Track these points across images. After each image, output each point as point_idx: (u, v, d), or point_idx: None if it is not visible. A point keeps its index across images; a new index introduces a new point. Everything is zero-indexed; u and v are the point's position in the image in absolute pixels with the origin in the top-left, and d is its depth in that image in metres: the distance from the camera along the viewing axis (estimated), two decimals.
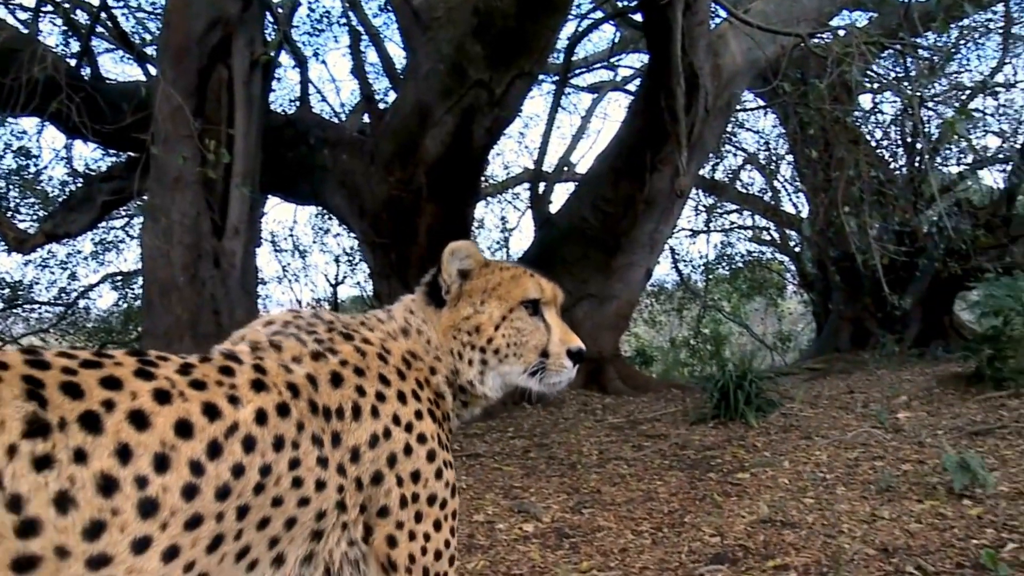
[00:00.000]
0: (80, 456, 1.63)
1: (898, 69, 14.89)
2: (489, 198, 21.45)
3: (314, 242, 21.59)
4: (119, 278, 19.88)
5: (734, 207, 22.07)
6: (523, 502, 6.48)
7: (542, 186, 14.73)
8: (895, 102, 14.87)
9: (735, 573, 4.57)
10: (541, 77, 18.28)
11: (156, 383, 1.83)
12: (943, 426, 8.21)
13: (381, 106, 12.99)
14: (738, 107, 17.41)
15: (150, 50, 13.40)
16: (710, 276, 23.39)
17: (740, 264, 23.34)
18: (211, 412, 1.85)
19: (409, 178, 10.92)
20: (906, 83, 12.33)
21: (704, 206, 21.77)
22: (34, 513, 1.56)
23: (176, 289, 8.93)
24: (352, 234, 17.30)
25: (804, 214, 19.29)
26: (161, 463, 1.73)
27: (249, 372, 2.02)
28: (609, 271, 12.25)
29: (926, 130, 15.00)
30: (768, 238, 23.16)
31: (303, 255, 21.77)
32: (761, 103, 17.81)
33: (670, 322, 24.66)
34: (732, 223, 23.10)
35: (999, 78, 17.24)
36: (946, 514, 5.35)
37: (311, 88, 14.70)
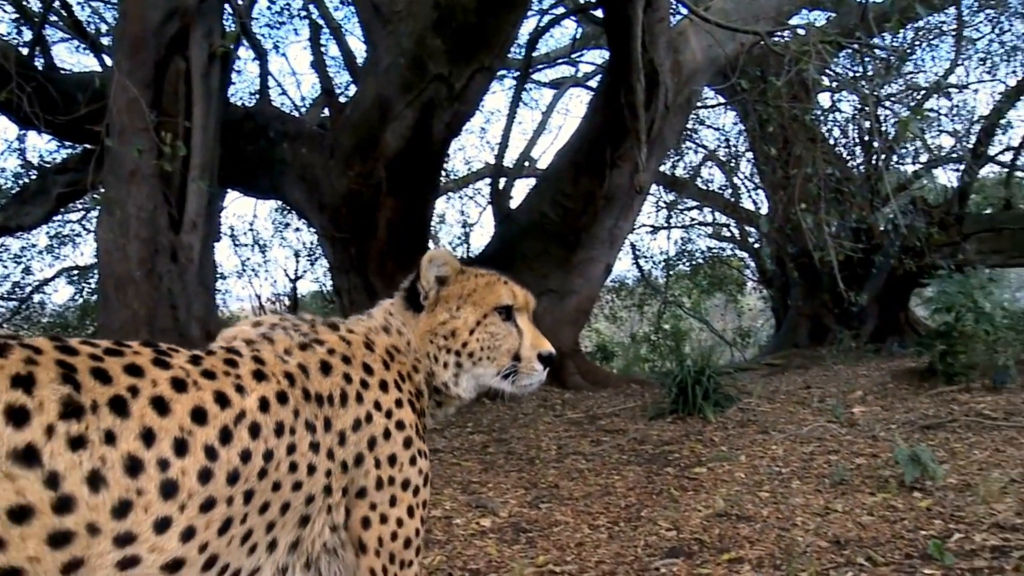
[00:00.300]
0: (110, 438, 1.74)
1: (856, 68, 15.11)
2: (451, 193, 21.41)
3: (273, 236, 21.42)
4: (75, 272, 19.59)
5: (694, 204, 22.27)
6: (481, 497, 6.47)
7: (502, 181, 14.73)
8: (853, 101, 15.05)
9: (690, 566, 4.60)
10: (503, 72, 18.30)
11: (172, 372, 1.94)
12: (896, 420, 8.34)
13: (342, 100, 12.90)
14: (699, 104, 17.56)
15: (106, 40, 13.19)
16: (671, 272, 23.58)
17: (700, 260, 23.57)
18: (222, 400, 1.97)
19: (369, 172, 10.87)
20: (863, 82, 12.50)
21: (665, 202, 21.94)
22: (69, 490, 1.65)
23: (132, 283, 8.82)
24: (312, 228, 17.19)
25: (764, 211, 19.49)
26: (180, 447, 1.84)
27: (250, 363, 2.13)
28: (569, 266, 12.29)
29: (882, 129, 15.24)
30: (728, 235, 23.39)
31: (263, 250, 21.57)
32: (721, 100, 17.96)
33: (631, 318, 24.81)
34: (692, 219, 23.33)
35: (952, 79, 17.58)
36: (897, 506, 5.43)
37: (271, 81, 14.57)
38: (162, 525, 1.79)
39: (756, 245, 22.29)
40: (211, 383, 1.98)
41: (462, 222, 22.44)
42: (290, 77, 27.10)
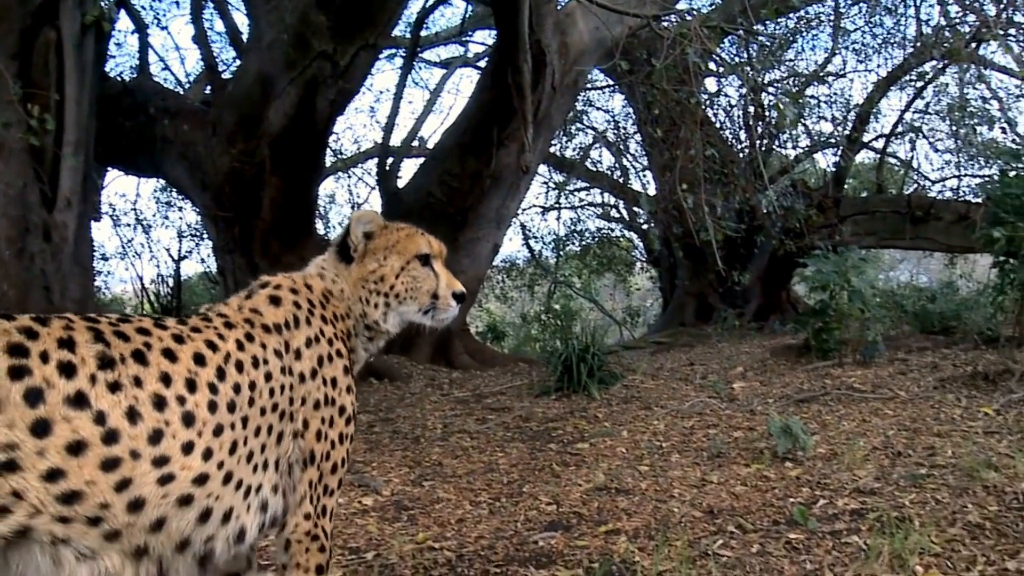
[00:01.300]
0: (138, 382, 2.20)
1: (741, 55, 15.47)
2: (340, 173, 21.07)
3: (156, 216, 20.66)
4: None
5: (584, 185, 22.47)
6: (364, 476, 6.40)
7: (390, 161, 14.56)
8: (739, 86, 15.42)
9: (568, 539, 4.64)
10: (392, 51, 18.08)
11: (170, 331, 2.43)
12: (773, 395, 8.62)
13: (226, 76, 12.52)
14: (587, 86, 17.71)
15: None
16: (561, 252, 23.79)
17: (590, 241, 23.82)
18: (211, 347, 2.46)
19: (252, 150, 10.60)
20: (747, 68, 12.80)
21: (554, 183, 22.09)
22: (114, 425, 2.10)
23: (1, 264, 8.36)
24: (195, 208, 16.65)
25: (651, 192, 19.81)
26: (191, 385, 2.32)
27: (218, 319, 2.64)
28: (456, 246, 12.23)
29: (765, 114, 15.67)
30: (617, 216, 23.71)
31: (146, 230, 20.75)
32: (610, 82, 18.15)
33: (522, 298, 24.97)
34: (582, 200, 23.56)
35: (830, 68, 18.22)
36: (769, 476, 5.60)
37: (153, 56, 14.03)
38: (187, 448, 2.25)
39: (644, 226, 22.67)
40: (200, 335, 2.47)
41: (351, 202, 22.13)
42: (173, 52, 26.05)
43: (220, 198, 11.07)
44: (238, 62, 14.37)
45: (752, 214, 16.15)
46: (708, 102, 16.49)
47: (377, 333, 3.10)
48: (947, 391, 7.77)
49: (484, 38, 19.57)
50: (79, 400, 2.05)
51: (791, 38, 17.20)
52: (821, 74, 17.87)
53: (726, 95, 17.27)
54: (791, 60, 17.46)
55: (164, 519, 2.21)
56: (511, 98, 10.23)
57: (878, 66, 17.55)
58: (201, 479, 2.28)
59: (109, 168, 15.67)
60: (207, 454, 2.30)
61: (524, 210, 22.20)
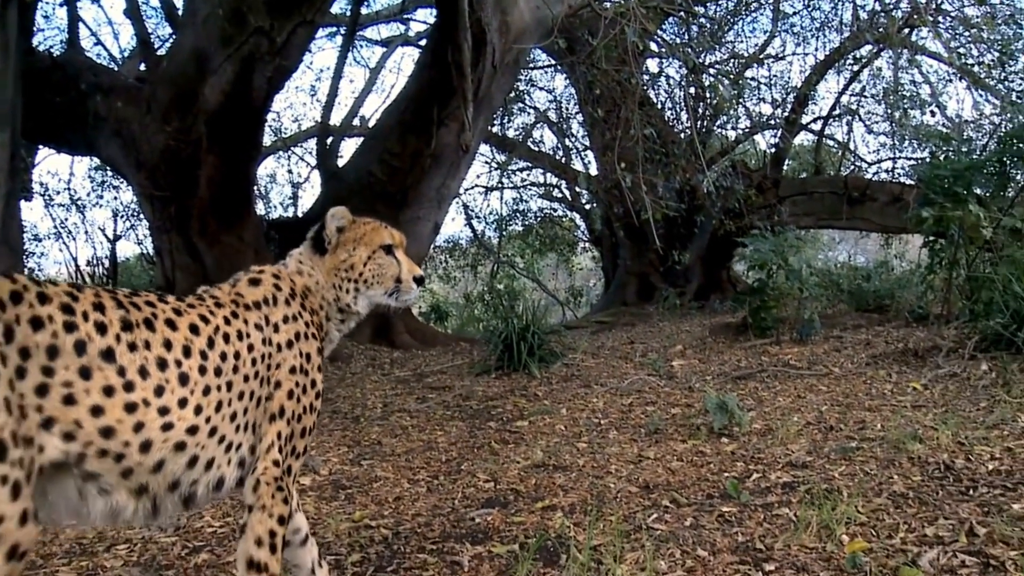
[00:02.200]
0: (148, 345, 2.61)
1: (682, 36, 15.58)
2: (280, 152, 20.76)
3: (90, 195, 20.13)
4: None
5: (526, 165, 22.44)
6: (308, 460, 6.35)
7: (330, 140, 14.37)
8: (682, 67, 15.50)
9: (504, 515, 4.65)
10: (332, 29, 17.83)
11: (171, 304, 2.82)
12: (712, 372, 8.73)
13: (161, 52, 12.20)
14: (529, 65, 17.66)
15: None
16: (503, 232, 23.78)
17: (533, 221, 23.84)
18: (204, 320, 2.83)
19: (188, 128, 10.36)
20: (688, 49, 12.89)
21: (497, 163, 22.03)
22: (131, 377, 2.52)
23: None
24: (130, 187, 16.26)
25: (593, 172, 19.84)
26: (186, 351, 2.71)
27: (210, 299, 3.01)
28: (396, 225, 11.96)
29: (706, 95, 15.81)
30: (559, 195, 23.74)
31: (80, 210, 20.20)
32: (552, 62, 18.13)
33: (465, 278, 24.91)
34: (524, 180, 23.55)
35: (770, 51, 18.43)
36: (705, 451, 5.68)
37: (85, 31, 13.61)
38: (183, 403, 2.65)
39: (587, 206, 22.73)
40: (194, 310, 2.85)
41: (291, 181, 21.83)
42: (106, 26, 25.30)
43: (156, 177, 10.80)
44: (173, 37, 14.05)
45: (692, 194, 16.29)
46: (649, 83, 16.59)
47: (348, 315, 3.46)
48: (879, 367, 7.94)
49: (425, 16, 19.41)
50: (109, 354, 2.49)
51: (731, 20, 17.34)
52: (760, 56, 18.06)
53: (668, 76, 17.39)
54: (731, 42, 17.62)
55: (163, 461, 2.63)
56: (451, 77, 10.14)
57: (816, 49, 17.84)
58: (192, 430, 2.69)
59: (40, 146, 15.25)
60: (197, 409, 2.69)
61: (467, 190, 22.16)
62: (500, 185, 22.38)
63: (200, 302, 2.95)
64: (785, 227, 12.75)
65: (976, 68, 15.22)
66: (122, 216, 19.92)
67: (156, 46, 13.77)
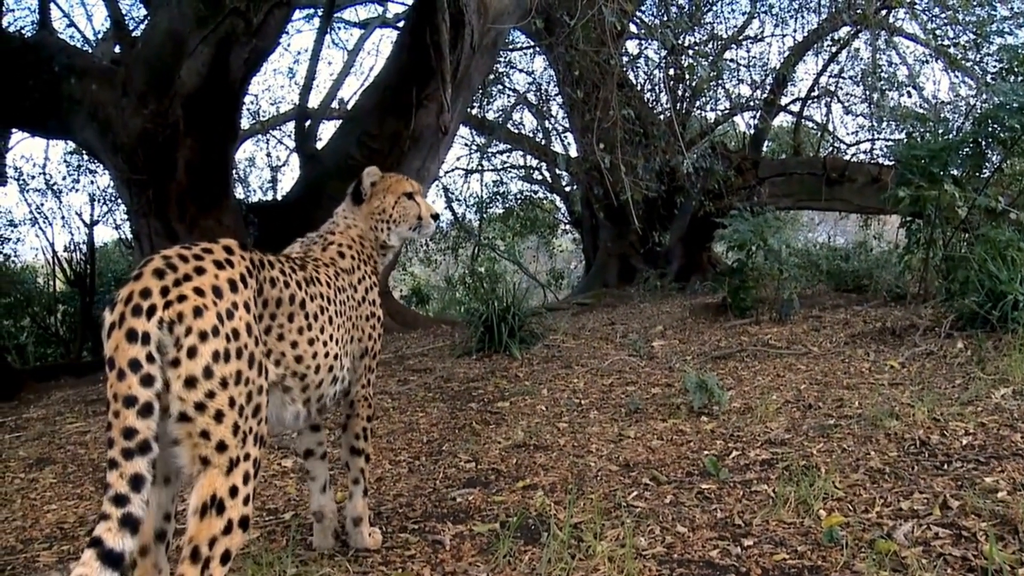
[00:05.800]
0: (314, 297, 3.48)
1: (661, 17, 15.54)
2: (259, 135, 20.60)
3: (66, 179, 19.88)
4: None
5: (506, 147, 22.37)
6: (284, 439, 6.34)
7: (308, 123, 14.25)
8: (661, 48, 15.49)
9: (485, 495, 4.68)
10: (310, 11, 17.67)
11: (311, 266, 3.67)
12: (692, 352, 8.78)
13: (136, 34, 12.03)
14: (509, 47, 17.57)
15: None
16: (484, 215, 23.76)
17: (513, 203, 23.83)
18: (328, 277, 3.73)
19: (165, 111, 10.22)
20: (667, 30, 12.87)
21: (477, 145, 21.95)
22: (310, 321, 3.40)
23: None
24: (107, 171, 16.07)
25: (573, 154, 19.82)
26: (329, 300, 3.61)
27: (312, 263, 3.74)
28: None
29: (685, 76, 15.81)
30: (540, 178, 23.72)
31: (57, 195, 19.96)
32: (531, 44, 18.04)
33: (446, 261, 24.86)
34: (504, 163, 23.50)
35: (749, 32, 18.44)
36: (685, 430, 5.72)
37: (57, 12, 13.40)
38: (332, 339, 3.57)
39: (567, 188, 22.71)
40: (320, 271, 3.69)
41: (270, 165, 21.67)
42: (79, 8, 24.92)
43: (133, 161, 10.66)
44: (148, 19, 13.87)
45: (672, 175, 16.28)
46: (629, 64, 16.55)
47: (388, 248, 4.36)
48: (857, 346, 8.01)
49: None
50: (303, 304, 3.34)
51: (709, 1, 17.32)
52: (739, 38, 18.07)
53: (647, 57, 17.35)
54: (709, 23, 17.58)
55: (322, 381, 3.50)
56: (430, 58, 10.07)
57: (794, 31, 17.78)
58: (336, 356, 3.59)
59: (13, 130, 15.06)
60: (337, 343, 3.59)
61: (447, 172, 22.08)
62: (480, 167, 22.32)
63: (312, 262, 3.74)
64: (765, 208, 12.81)
65: (952, 49, 15.26)
66: (99, 201, 19.65)
67: (130, 28, 13.57)
